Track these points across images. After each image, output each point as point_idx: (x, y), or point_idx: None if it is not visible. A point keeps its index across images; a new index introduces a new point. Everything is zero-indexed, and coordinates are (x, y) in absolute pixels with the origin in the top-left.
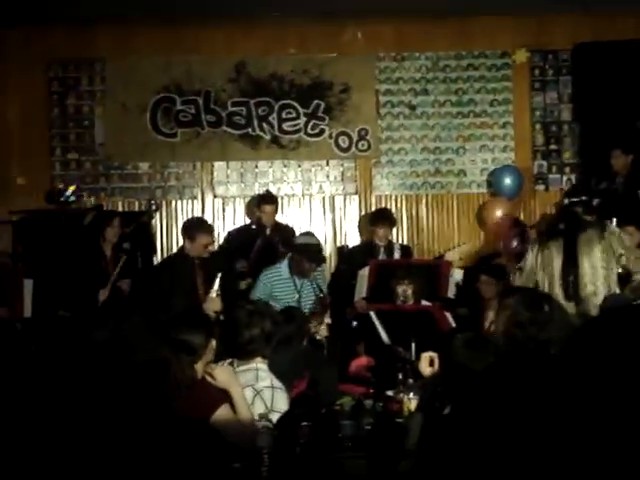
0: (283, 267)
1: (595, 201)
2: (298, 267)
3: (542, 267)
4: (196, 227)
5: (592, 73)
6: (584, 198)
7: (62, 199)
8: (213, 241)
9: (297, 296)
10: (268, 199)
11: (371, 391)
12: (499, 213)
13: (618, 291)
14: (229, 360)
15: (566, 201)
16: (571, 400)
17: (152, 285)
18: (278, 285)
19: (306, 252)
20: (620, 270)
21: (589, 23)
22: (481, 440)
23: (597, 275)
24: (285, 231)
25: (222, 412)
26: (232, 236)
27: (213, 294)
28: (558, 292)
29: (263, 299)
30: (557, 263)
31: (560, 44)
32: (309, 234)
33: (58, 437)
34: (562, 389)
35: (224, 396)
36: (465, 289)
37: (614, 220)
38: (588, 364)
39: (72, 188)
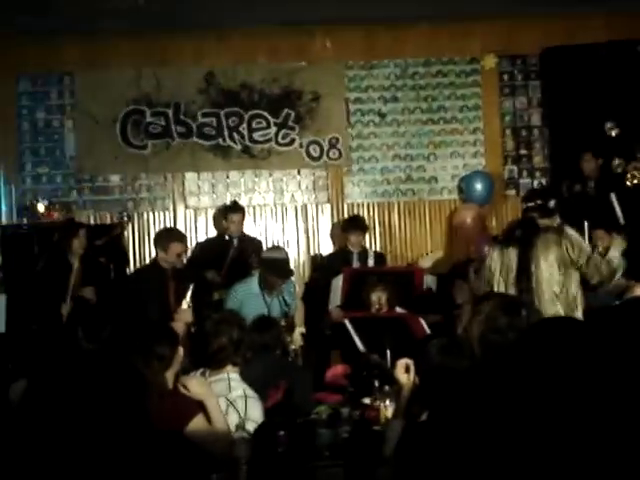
0: (254, 282)
1: (551, 203)
2: (266, 282)
3: (499, 271)
4: (168, 236)
5: (561, 77)
6: (539, 202)
7: (35, 214)
8: (186, 249)
9: (267, 311)
10: (235, 208)
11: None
12: (470, 219)
13: (579, 295)
14: (200, 370)
15: (523, 206)
16: (550, 403)
17: (124, 296)
18: (249, 300)
19: (274, 267)
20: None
21: (557, 27)
22: (459, 446)
23: (553, 281)
24: (253, 243)
25: (197, 423)
26: (203, 247)
27: (185, 305)
28: None
29: None
30: (513, 269)
31: (528, 49)
32: (277, 248)
33: (34, 448)
34: (538, 393)
35: (198, 407)
36: (438, 296)
37: (571, 229)
38: (562, 365)
39: (44, 203)
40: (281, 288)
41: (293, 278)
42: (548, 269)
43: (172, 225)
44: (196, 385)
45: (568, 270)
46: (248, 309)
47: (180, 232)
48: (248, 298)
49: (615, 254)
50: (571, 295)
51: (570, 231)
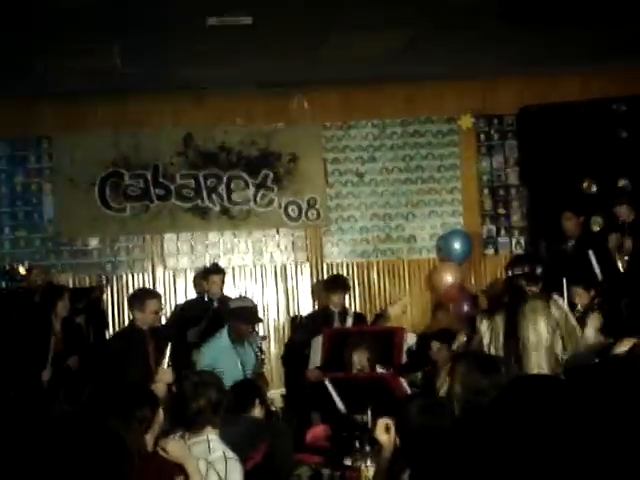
0: (223, 336)
1: (538, 270)
2: (236, 331)
3: (490, 339)
4: (143, 295)
5: (537, 136)
6: (527, 270)
7: (13, 278)
8: (162, 307)
9: (239, 363)
10: (216, 270)
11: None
12: (449, 278)
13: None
14: (180, 433)
15: (509, 273)
16: (531, 459)
17: (103, 359)
18: (220, 355)
19: (241, 315)
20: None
21: (533, 87)
22: None
23: (540, 346)
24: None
25: None
26: (184, 308)
27: (164, 366)
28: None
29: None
30: (500, 335)
31: (505, 108)
32: (243, 298)
33: None
34: (518, 450)
35: (178, 469)
36: (418, 354)
37: (557, 296)
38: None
39: (22, 269)
40: (253, 336)
41: (261, 334)
42: (536, 335)
43: (151, 286)
44: (175, 448)
45: (555, 336)
46: (221, 362)
47: (154, 290)
48: (220, 352)
49: (591, 332)
50: (558, 360)
51: (558, 299)
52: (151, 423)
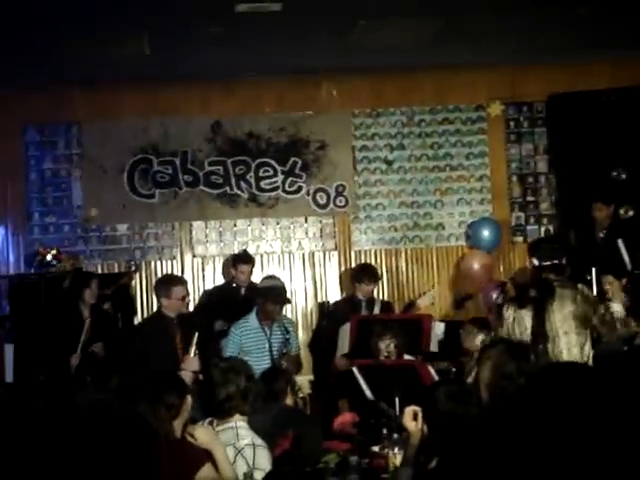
0: (252, 318)
1: (564, 259)
2: (264, 311)
3: (516, 332)
4: (169, 282)
5: (567, 124)
6: (556, 262)
7: (42, 263)
8: (188, 293)
9: (267, 345)
10: (244, 259)
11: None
12: (478, 266)
13: (591, 352)
14: (208, 420)
15: (536, 262)
16: (559, 450)
17: (131, 347)
18: (249, 336)
19: (270, 294)
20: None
21: (562, 74)
22: None
23: (570, 339)
24: None
25: (205, 472)
26: (211, 295)
27: (191, 354)
28: None
29: (235, 354)
30: (529, 330)
31: (534, 96)
32: (272, 277)
33: None
34: (547, 440)
35: (206, 456)
36: (447, 342)
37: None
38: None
39: (52, 252)
40: (280, 318)
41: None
42: (564, 328)
43: (179, 274)
44: (203, 434)
45: (584, 328)
46: (249, 343)
47: (179, 276)
48: (247, 334)
49: (617, 306)
50: (585, 354)
51: (583, 288)
52: (179, 410)
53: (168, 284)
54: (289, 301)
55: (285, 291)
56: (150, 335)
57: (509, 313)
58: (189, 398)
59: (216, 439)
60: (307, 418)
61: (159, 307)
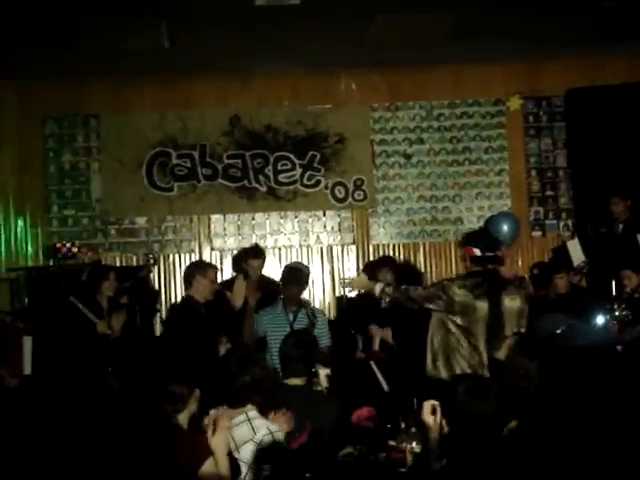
0: (279, 305)
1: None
2: (287, 295)
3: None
4: (205, 264)
5: (585, 118)
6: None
7: (61, 256)
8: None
9: (289, 329)
10: (254, 253)
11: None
12: None
13: None
14: (222, 408)
15: (477, 253)
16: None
17: (161, 335)
18: (273, 320)
19: (290, 277)
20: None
21: (581, 68)
22: None
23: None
24: (272, 284)
25: (209, 466)
26: (223, 285)
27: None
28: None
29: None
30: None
31: (553, 90)
32: (295, 263)
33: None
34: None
35: (210, 450)
36: None
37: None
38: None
39: (70, 245)
40: (308, 304)
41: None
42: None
43: None
44: (217, 439)
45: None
46: (273, 328)
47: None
48: (273, 320)
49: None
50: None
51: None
52: (187, 401)
53: (205, 265)
54: (307, 282)
55: (303, 274)
56: (180, 321)
57: (461, 292)
58: (197, 391)
59: (224, 449)
60: (325, 411)
61: (187, 296)
